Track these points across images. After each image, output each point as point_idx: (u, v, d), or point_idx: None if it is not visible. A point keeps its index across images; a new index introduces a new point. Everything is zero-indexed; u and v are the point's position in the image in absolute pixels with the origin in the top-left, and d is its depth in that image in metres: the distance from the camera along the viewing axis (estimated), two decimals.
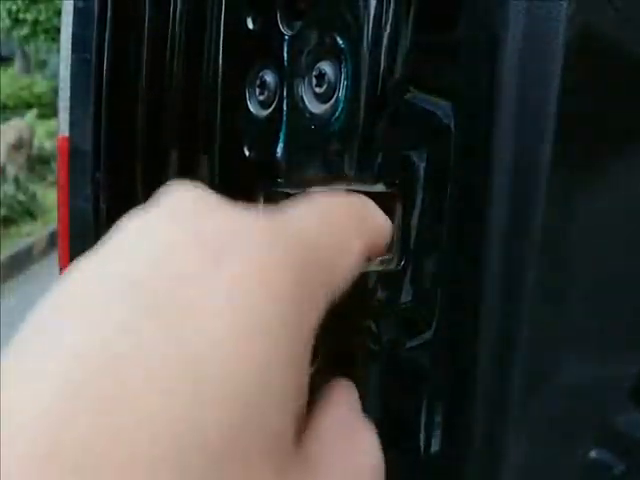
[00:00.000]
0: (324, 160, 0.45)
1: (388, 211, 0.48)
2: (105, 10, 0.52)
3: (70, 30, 0.54)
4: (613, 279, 0.58)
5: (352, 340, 0.46)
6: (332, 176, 0.45)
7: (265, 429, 0.20)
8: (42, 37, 10.06)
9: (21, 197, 5.57)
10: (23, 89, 9.33)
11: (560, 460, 0.58)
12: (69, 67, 0.54)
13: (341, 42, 0.42)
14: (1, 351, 0.19)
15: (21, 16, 9.90)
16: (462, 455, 0.52)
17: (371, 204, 0.36)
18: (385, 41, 0.41)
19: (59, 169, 0.57)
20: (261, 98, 0.49)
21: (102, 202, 0.54)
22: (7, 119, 7.34)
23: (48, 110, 8.64)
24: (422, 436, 0.52)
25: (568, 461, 0.59)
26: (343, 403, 0.29)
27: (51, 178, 6.48)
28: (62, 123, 0.56)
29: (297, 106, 0.46)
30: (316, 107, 0.45)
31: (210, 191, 0.26)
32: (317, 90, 0.44)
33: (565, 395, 0.57)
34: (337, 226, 0.29)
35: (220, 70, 0.53)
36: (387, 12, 0.41)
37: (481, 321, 0.50)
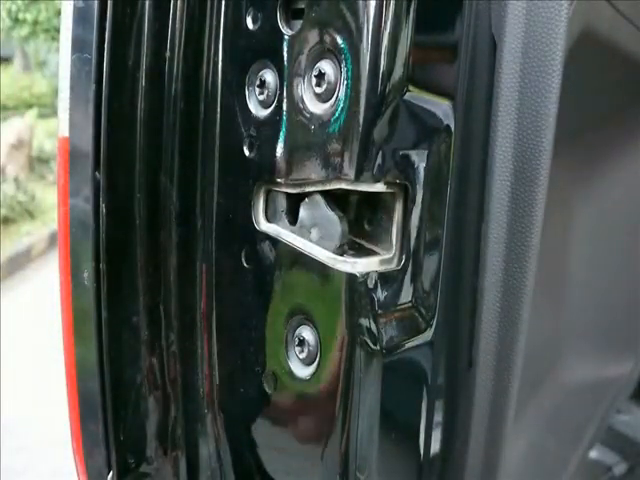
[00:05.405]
0: (324, 160, 0.44)
1: (388, 211, 0.48)
2: (105, 10, 0.52)
3: (70, 30, 0.54)
4: (613, 280, 0.58)
5: (352, 340, 0.46)
6: (332, 176, 0.44)
7: None
8: (42, 37, 10.06)
9: (21, 197, 5.57)
10: (23, 89, 9.32)
11: (560, 460, 0.58)
12: (69, 67, 0.54)
13: (341, 42, 0.42)
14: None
15: (21, 16, 9.90)
16: (462, 455, 0.52)
17: None
18: (385, 41, 0.41)
19: (59, 169, 0.57)
20: (261, 98, 0.49)
21: (102, 202, 0.54)
22: (7, 119, 7.34)
23: (48, 110, 8.65)
24: (422, 436, 0.52)
25: (568, 461, 0.59)
26: None
27: (51, 178, 6.48)
28: (62, 123, 0.56)
29: (297, 106, 0.46)
30: (316, 107, 0.45)
31: None
32: (317, 90, 0.44)
33: (565, 395, 0.57)
34: None
35: (220, 70, 0.53)
36: (387, 12, 0.41)
37: (481, 321, 0.50)
